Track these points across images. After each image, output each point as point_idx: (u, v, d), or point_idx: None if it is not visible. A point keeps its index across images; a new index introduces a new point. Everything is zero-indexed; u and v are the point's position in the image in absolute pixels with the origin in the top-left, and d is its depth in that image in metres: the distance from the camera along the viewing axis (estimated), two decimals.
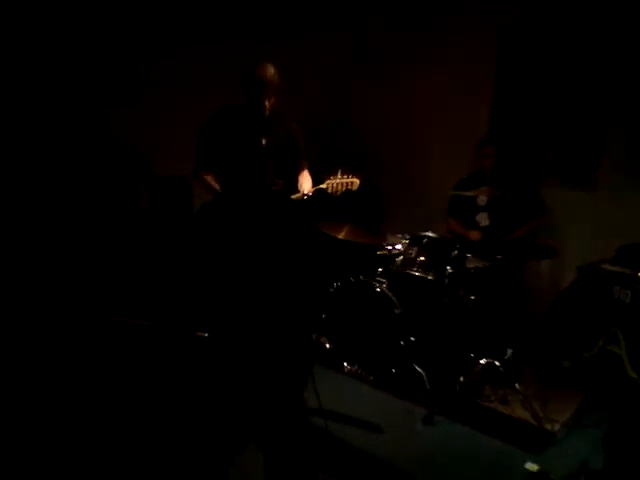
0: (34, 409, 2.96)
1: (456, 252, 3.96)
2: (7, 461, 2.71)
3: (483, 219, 4.38)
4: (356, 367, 3.99)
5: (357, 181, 3.63)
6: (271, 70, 3.32)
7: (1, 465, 2.69)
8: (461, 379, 3.71)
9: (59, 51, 3.88)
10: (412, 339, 3.87)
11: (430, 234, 4.03)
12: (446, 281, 3.92)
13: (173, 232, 3.39)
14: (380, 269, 4.18)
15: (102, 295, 3.16)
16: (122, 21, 4.13)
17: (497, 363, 3.69)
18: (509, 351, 3.80)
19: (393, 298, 3.88)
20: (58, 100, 3.94)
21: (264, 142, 3.35)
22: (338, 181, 3.59)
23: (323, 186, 3.57)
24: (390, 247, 4.23)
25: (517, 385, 3.65)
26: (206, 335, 2.45)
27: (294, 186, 3.56)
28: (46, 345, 3.15)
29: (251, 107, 3.35)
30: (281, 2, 5.05)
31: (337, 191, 3.58)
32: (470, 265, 4.02)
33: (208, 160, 3.49)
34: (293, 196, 3.48)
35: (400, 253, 4.15)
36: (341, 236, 4.16)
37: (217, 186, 3.44)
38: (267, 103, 3.31)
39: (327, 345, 4.13)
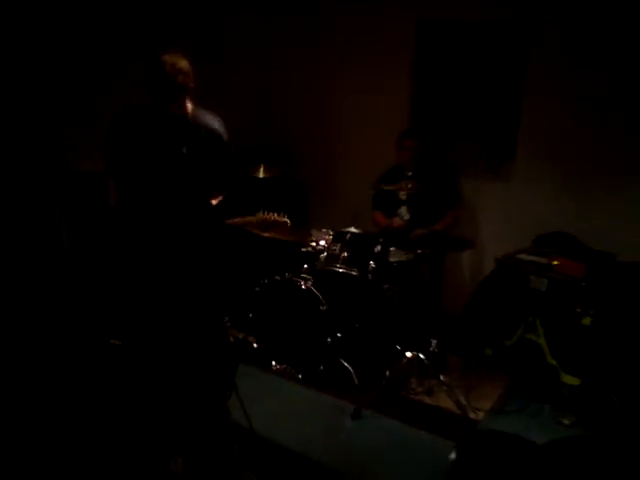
0: None
1: (379, 247, 3.99)
2: None
3: (404, 212, 4.43)
4: (284, 365, 3.96)
5: (288, 222, 3.23)
6: (183, 61, 2.74)
7: None
8: (387, 373, 3.74)
9: None
10: (339, 335, 3.88)
11: (353, 230, 4.05)
12: (370, 276, 3.93)
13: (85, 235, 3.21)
14: (305, 266, 4.16)
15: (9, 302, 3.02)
16: None
17: (422, 355, 3.74)
18: (433, 342, 3.87)
19: (319, 295, 3.87)
20: None
21: (185, 150, 2.85)
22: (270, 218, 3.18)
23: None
24: (314, 243, 4.21)
25: (442, 376, 3.71)
26: (118, 343, 2.37)
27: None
28: None
29: (161, 108, 2.79)
30: None
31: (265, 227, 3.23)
32: (393, 259, 4.06)
33: (119, 173, 2.97)
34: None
35: (324, 249, 4.13)
36: (265, 234, 4.10)
37: None
38: (183, 104, 2.79)
39: (255, 344, 4.08)
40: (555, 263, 3.81)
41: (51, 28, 3.98)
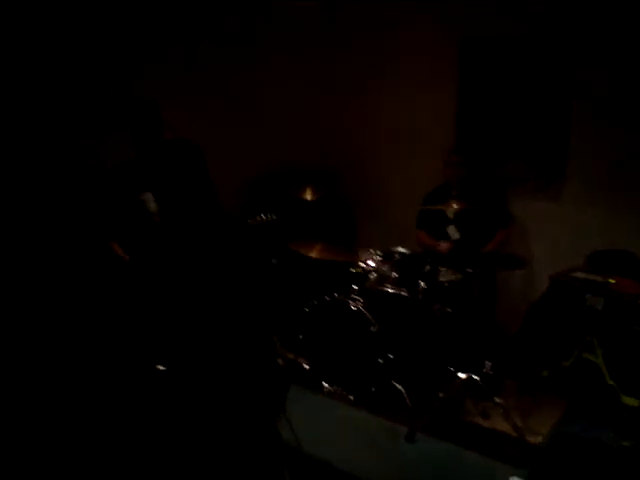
0: None
1: (428, 267, 3.94)
2: None
3: (453, 232, 4.39)
4: (335, 387, 3.93)
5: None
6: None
7: None
8: (441, 395, 3.67)
9: None
10: (390, 356, 3.83)
11: (401, 249, 4.02)
12: (420, 296, 3.89)
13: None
14: (354, 287, 4.14)
15: (54, 332, 3.07)
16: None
17: (476, 377, 3.67)
18: (487, 364, 3.79)
19: (369, 316, 3.84)
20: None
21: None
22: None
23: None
24: (363, 264, 4.19)
25: (497, 398, 3.63)
26: (163, 368, 2.38)
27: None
28: None
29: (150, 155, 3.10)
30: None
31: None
32: (443, 279, 4.01)
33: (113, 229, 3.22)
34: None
35: (373, 270, 4.11)
36: (313, 255, 4.11)
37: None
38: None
39: (305, 365, 4.06)
40: (611, 281, 3.72)
41: (67, 32, 4.08)
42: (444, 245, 4.35)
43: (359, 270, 4.17)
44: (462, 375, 3.69)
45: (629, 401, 3.48)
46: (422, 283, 3.93)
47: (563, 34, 4.35)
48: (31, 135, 3.88)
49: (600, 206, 4.35)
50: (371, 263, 4.15)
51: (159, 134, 3.08)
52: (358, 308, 3.88)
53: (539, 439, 3.46)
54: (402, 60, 5.12)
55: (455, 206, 4.11)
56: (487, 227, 4.38)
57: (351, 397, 3.84)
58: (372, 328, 3.81)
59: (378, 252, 4.19)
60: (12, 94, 3.77)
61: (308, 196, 4.61)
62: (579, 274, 3.92)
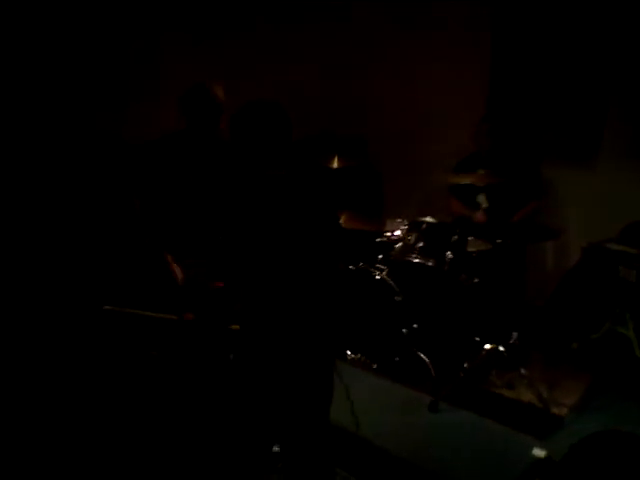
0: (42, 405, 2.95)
1: (456, 237, 3.88)
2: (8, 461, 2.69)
3: (483, 200, 4.29)
4: (359, 355, 3.93)
5: None
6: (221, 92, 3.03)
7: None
8: (465, 365, 3.64)
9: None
10: (415, 326, 3.80)
11: (429, 219, 3.95)
12: (446, 267, 3.84)
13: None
14: (380, 256, 4.11)
15: (122, 288, 3.10)
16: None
17: (501, 348, 3.62)
18: (514, 335, 3.73)
19: (393, 285, 3.81)
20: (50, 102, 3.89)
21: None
22: None
23: None
24: (389, 233, 4.15)
25: (523, 369, 3.58)
26: (238, 328, 2.37)
27: None
28: (60, 342, 3.14)
29: (203, 132, 3.03)
30: None
31: None
32: (472, 248, 3.94)
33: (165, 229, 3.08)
34: None
35: (399, 239, 4.06)
36: (341, 223, 4.09)
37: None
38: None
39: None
40: None
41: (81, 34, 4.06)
42: (480, 215, 4.25)
43: (385, 239, 4.13)
44: (487, 346, 3.65)
45: None
46: (449, 253, 3.87)
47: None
48: (57, 108, 3.92)
49: (636, 177, 4.20)
50: (397, 232, 4.11)
51: (213, 115, 3.04)
52: (382, 277, 3.85)
53: (564, 411, 3.40)
54: (436, 27, 4.98)
55: (483, 177, 4.02)
56: (518, 198, 4.26)
57: (374, 366, 3.84)
58: (396, 297, 3.78)
59: (405, 221, 4.15)
60: (37, 70, 3.80)
61: (335, 164, 4.57)
62: (612, 245, 3.82)
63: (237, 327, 2.38)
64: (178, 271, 2.97)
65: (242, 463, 2.35)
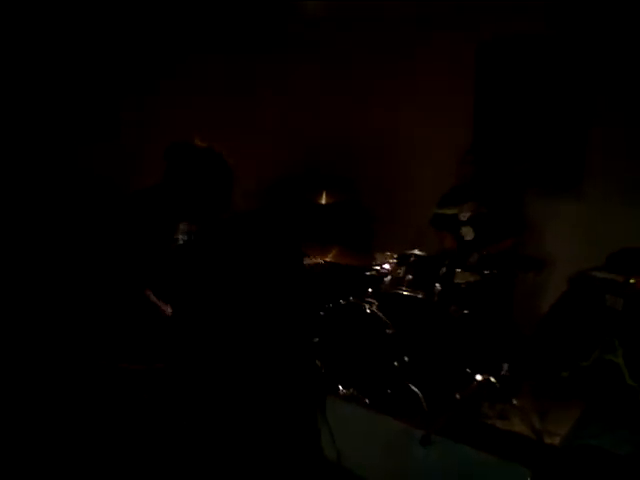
0: None
1: (444, 269, 3.92)
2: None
3: (468, 233, 4.34)
4: (351, 390, 3.92)
5: None
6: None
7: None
8: (458, 397, 3.64)
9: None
10: (406, 359, 3.81)
11: (417, 252, 4.00)
12: (435, 298, 3.86)
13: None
14: (369, 290, 4.13)
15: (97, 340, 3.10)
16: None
17: (493, 379, 3.62)
18: (505, 366, 3.74)
19: (384, 318, 3.83)
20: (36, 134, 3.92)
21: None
22: None
23: None
24: (378, 267, 4.18)
25: (514, 400, 3.58)
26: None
27: None
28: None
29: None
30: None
31: None
32: (459, 280, 3.98)
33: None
34: None
35: (388, 272, 4.10)
36: (329, 259, 4.12)
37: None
38: None
39: (321, 369, 4.06)
40: (632, 281, 3.65)
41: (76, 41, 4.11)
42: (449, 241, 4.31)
43: (374, 273, 4.17)
44: (479, 377, 3.65)
45: None
46: (438, 285, 3.90)
47: (581, 32, 4.31)
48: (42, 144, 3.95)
49: (620, 206, 4.27)
50: (386, 266, 4.15)
51: (192, 176, 3.09)
52: (373, 311, 3.87)
53: (557, 440, 3.40)
54: (418, 61, 5.11)
55: (470, 208, 4.09)
56: (502, 228, 4.31)
57: (367, 400, 3.83)
58: (387, 331, 3.80)
59: (394, 255, 4.18)
60: (26, 101, 3.84)
61: (323, 200, 4.64)
62: (599, 274, 3.86)
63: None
64: (163, 304, 2.99)
65: None
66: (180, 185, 3.09)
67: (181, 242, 3.11)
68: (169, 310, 2.97)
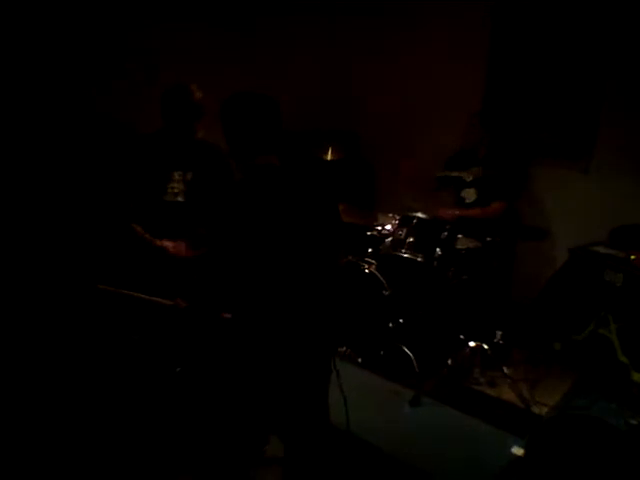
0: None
1: (446, 233, 3.90)
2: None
3: (470, 195, 4.28)
4: (344, 348, 3.95)
5: None
6: (200, 93, 3.05)
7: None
8: (449, 361, 3.67)
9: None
10: (401, 321, 3.83)
11: (420, 215, 3.97)
12: (435, 263, 3.86)
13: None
14: (369, 250, 4.12)
15: (118, 269, 3.10)
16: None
17: (485, 346, 3.65)
18: (498, 333, 3.77)
19: (382, 279, 3.83)
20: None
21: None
22: None
23: None
24: (380, 227, 4.16)
25: (505, 368, 3.62)
26: (230, 316, 2.35)
27: None
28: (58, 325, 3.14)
29: (178, 133, 3.07)
30: None
31: None
32: (460, 246, 3.96)
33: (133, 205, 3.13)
34: None
35: (389, 234, 4.08)
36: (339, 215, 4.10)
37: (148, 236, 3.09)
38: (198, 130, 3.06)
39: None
40: (633, 257, 3.64)
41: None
42: (448, 213, 4.25)
43: (375, 233, 4.15)
44: (472, 343, 3.68)
45: (639, 378, 3.44)
46: (438, 249, 3.89)
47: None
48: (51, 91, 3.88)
49: (628, 181, 4.21)
50: (388, 227, 4.13)
51: (191, 118, 3.05)
52: (371, 271, 3.87)
53: (545, 410, 3.44)
54: (432, 23, 4.97)
55: (474, 173, 4.05)
56: (505, 194, 4.25)
57: (359, 359, 3.86)
58: (384, 292, 3.80)
59: (396, 216, 4.16)
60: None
61: (329, 156, 4.58)
62: (600, 248, 3.86)
63: (229, 316, 2.37)
64: (167, 242, 3.00)
65: (234, 459, 2.35)
66: (174, 129, 3.07)
67: (176, 191, 3.13)
68: (167, 244, 2.99)
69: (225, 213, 2.13)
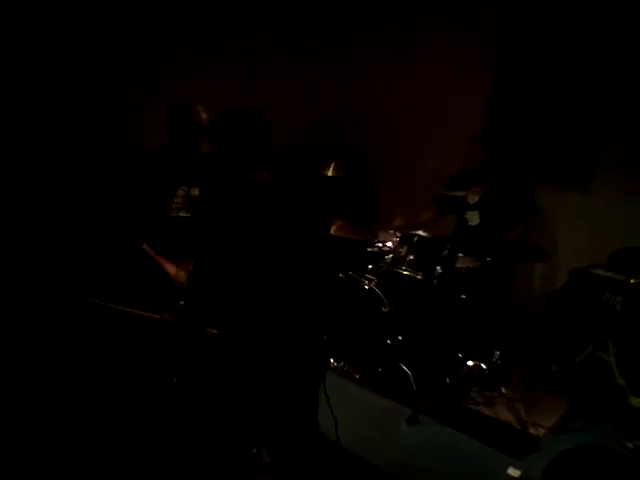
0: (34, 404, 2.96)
1: (446, 252, 3.91)
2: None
3: (473, 217, 4.31)
4: (343, 364, 3.95)
5: None
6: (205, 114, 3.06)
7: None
8: (447, 380, 3.67)
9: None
10: (399, 338, 3.82)
11: (421, 233, 3.98)
12: (435, 281, 3.86)
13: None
14: (369, 266, 4.13)
15: (107, 283, 3.12)
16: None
17: (484, 365, 3.65)
18: (496, 353, 3.77)
19: (381, 296, 3.84)
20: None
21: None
22: None
23: None
24: (380, 244, 4.18)
25: (503, 388, 3.62)
26: (216, 332, 2.36)
27: None
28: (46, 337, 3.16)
29: (183, 151, 3.09)
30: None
31: None
32: (461, 265, 3.97)
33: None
34: None
35: (390, 251, 4.09)
36: (331, 231, 4.11)
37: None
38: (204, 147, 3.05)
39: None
40: (632, 281, 3.64)
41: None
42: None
43: (376, 250, 4.16)
44: (470, 362, 3.68)
45: (636, 402, 3.43)
46: (439, 268, 3.90)
47: (605, 17, 4.21)
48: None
49: (629, 203, 4.24)
50: (388, 244, 4.14)
51: (196, 136, 3.07)
52: (371, 287, 3.87)
53: (541, 432, 3.43)
54: (437, 40, 5.02)
55: (479, 193, 4.06)
56: (509, 216, 4.28)
57: (357, 375, 3.86)
58: (383, 308, 3.81)
59: (397, 233, 4.17)
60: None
61: (331, 172, 4.60)
62: (600, 271, 3.86)
63: (214, 331, 2.38)
64: (171, 267, 3.01)
65: (223, 464, 2.35)
66: (180, 147, 3.10)
67: (180, 206, 3.15)
68: (170, 269, 3.00)
69: (211, 228, 2.14)
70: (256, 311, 2.14)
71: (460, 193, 4.21)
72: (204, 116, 3.01)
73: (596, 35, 4.30)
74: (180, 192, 3.13)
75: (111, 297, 2.80)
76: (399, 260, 3.96)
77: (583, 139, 4.47)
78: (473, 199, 4.26)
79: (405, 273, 3.89)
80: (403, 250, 3.99)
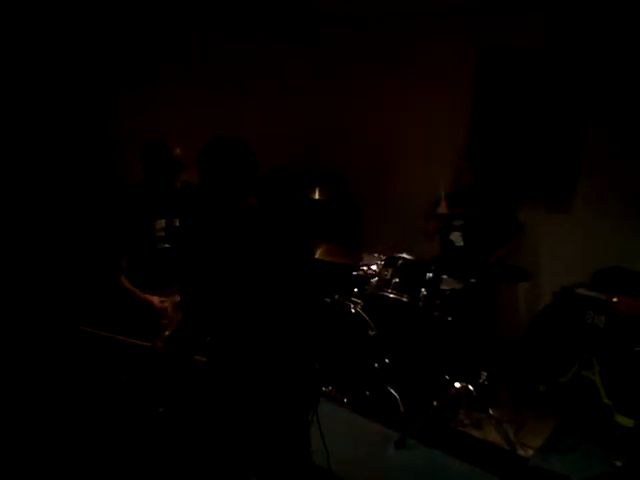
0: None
1: (431, 274, 3.93)
2: None
3: (457, 239, 4.34)
4: (330, 388, 3.94)
5: None
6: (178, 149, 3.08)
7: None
8: (435, 403, 3.67)
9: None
10: (386, 361, 3.82)
11: (405, 256, 4.00)
12: (420, 303, 3.88)
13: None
14: (355, 290, 4.14)
15: (97, 311, 3.10)
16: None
17: (471, 387, 3.66)
18: (483, 374, 3.77)
19: (368, 319, 3.84)
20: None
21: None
22: None
23: None
24: (365, 267, 4.19)
25: (491, 410, 3.62)
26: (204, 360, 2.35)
27: None
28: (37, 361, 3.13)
29: (158, 185, 3.11)
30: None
31: None
32: (445, 287, 3.99)
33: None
34: None
35: (375, 274, 4.11)
36: (316, 255, 4.12)
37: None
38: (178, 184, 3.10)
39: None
40: (615, 300, 3.69)
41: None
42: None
43: (361, 273, 4.18)
44: (457, 384, 3.68)
45: (623, 420, 3.45)
46: (423, 290, 3.92)
47: (580, 48, 4.32)
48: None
49: (609, 224, 4.30)
50: (373, 267, 4.16)
51: (170, 171, 3.09)
52: (357, 311, 3.88)
53: (530, 453, 3.43)
54: (419, 65, 5.11)
55: (461, 214, 4.11)
56: (492, 237, 4.32)
57: (345, 399, 3.84)
58: (370, 332, 3.81)
59: (382, 256, 4.19)
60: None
61: (316, 196, 4.64)
62: (583, 291, 3.90)
63: (202, 359, 2.37)
64: (154, 298, 3.01)
65: None
66: (154, 182, 3.12)
67: (163, 238, 3.15)
68: (153, 299, 2.99)
69: (195, 255, 2.15)
70: (245, 338, 2.14)
71: (443, 211, 4.25)
72: (177, 151, 3.03)
73: (570, 65, 4.42)
74: (162, 224, 3.15)
75: (101, 326, 2.80)
76: (384, 283, 3.97)
77: (562, 161, 4.54)
78: (458, 222, 4.30)
79: (391, 296, 3.90)
80: (388, 273, 4.01)
